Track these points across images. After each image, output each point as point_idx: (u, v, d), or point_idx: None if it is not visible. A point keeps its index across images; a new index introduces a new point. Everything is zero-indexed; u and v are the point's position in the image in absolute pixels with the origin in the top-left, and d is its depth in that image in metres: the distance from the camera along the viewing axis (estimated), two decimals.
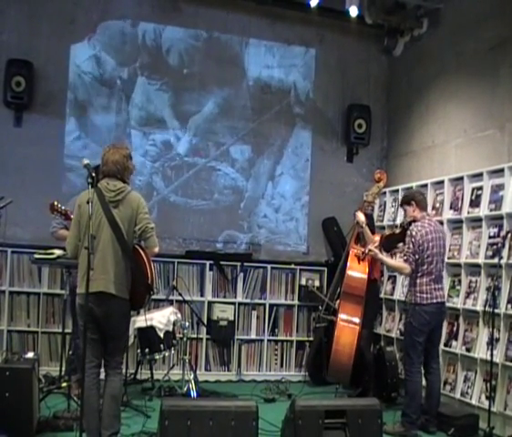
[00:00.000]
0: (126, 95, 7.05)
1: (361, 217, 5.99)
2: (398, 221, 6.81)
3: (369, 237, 5.91)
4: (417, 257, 5.05)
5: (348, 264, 6.02)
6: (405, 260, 5.14)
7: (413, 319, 5.09)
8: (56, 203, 5.04)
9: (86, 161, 3.90)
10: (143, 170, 7.07)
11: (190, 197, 7.27)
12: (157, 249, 4.16)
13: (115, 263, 3.98)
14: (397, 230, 5.53)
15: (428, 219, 5.22)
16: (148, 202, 6.98)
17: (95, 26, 6.92)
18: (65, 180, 6.78)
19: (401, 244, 5.46)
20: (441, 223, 6.14)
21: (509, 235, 5.07)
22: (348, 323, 5.87)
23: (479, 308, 5.42)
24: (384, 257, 5.51)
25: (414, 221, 5.20)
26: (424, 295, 5.03)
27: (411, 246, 5.07)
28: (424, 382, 5.29)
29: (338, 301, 6.13)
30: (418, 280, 5.08)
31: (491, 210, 5.50)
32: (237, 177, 7.44)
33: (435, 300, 5.03)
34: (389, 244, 5.60)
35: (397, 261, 5.63)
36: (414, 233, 5.08)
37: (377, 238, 5.85)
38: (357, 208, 6.29)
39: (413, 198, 5.28)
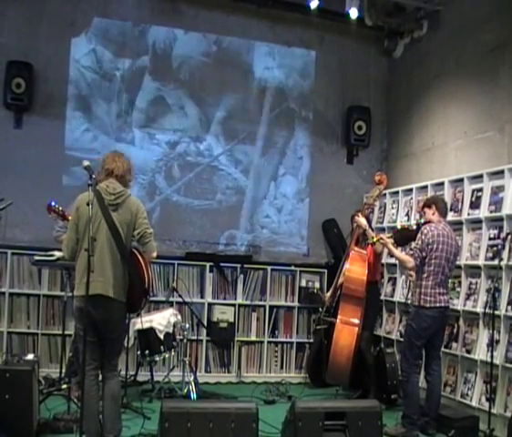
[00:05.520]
0: (129, 96, 7.05)
1: (362, 221, 6.01)
2: (399, 223, 6.81)
3: (372, 237, 5.93)
4: (424, 254, 5.08)
5: (347, 266, 6.02)
6: (411, 255, 5.20)
7: (413, 321, 5.12)
8: (52, 204, 5.01)
9: (86, 163, 3.89)
10: (146, 169, 7.08)
11: (193, 196, 7.27)
12: (155, 254, 4.15)
13: (113, 266, 3.96)
14: (412, 227, 5.60)
15: (444, 225, 5.22)
16: (151, 201, 7.04)
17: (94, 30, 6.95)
18: (65, 181, 6.79)
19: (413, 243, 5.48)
20: None
21: (509, 236, 5.07)
22: (347, 325, 5.86)
23: (479, 309, 5.41)
24: (392, 246, 5.53)
25: (430, 223, 5.24)
26: (428, 298, 5.03)
27: (419, 243, 5.12)
28: (424, 384, 5.28)
29: (328, 295, 6.20)
30: (424, 283, 5.08)
31: (491, 212, 5.50)
32: (239, 178, 7.45)
33: (438, 305, 5.02)
34: (401, 238, 5.63)
35: (403, 254, 5.64)
36: (425, 231, 5.13)
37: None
38: (356, 211, 6.30)
39: (434, 202, 5.34)
